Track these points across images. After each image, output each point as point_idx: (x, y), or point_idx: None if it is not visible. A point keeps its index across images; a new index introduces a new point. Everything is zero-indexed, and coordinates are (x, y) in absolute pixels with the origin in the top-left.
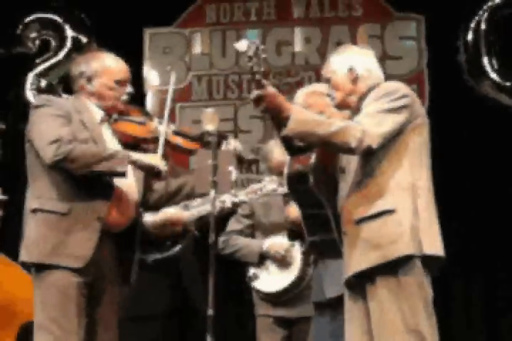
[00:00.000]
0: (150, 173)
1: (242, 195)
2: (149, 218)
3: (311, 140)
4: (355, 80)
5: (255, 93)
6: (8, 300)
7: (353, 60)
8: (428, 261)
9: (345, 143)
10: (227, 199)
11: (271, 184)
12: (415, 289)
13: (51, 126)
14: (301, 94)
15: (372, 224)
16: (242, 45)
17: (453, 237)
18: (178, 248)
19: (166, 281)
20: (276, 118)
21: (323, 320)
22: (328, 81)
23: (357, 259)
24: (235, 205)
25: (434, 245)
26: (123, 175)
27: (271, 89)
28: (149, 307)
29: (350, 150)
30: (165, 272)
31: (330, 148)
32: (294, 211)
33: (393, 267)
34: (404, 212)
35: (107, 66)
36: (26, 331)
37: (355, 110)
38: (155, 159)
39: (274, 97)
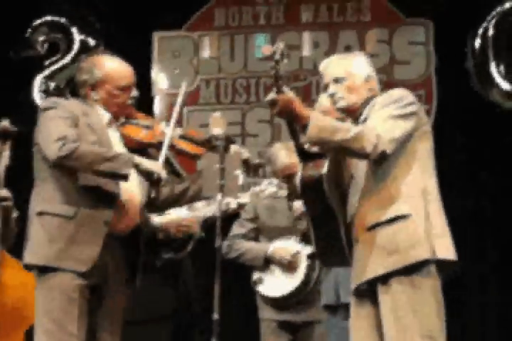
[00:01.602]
0: (149, 179)
1: (245, 197)
2: (159, 220)
3: (329, 146)
4: (371, 90)
5: (271, 96)
6: (18, 303)
7: (369, 69)
8: (441, 265)
9: (361, 148)
10: (232, 201)
11: (270, 187)
12: (430, 293)
13: (57, 126)
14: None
15: (386, 230)
16: (267, 49)
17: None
18: (186, 250)
19: (166, 285)
20: (292, 123)
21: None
22: (337, 80)
23: (372, 265)
24: (240, 207)
25: (447, 249)
26: (125, 178)
27: (288, 95)
28: (148, 310)
29: (365, 156)
30: (163, 275)
31: (346, 153)
32: (299, 206)
33: (409, 271)
34: (417, 216)
35: (109, 73)
36: (30, 334)
37: (353, 118)
38: (156, 166)
39: (290, 103)
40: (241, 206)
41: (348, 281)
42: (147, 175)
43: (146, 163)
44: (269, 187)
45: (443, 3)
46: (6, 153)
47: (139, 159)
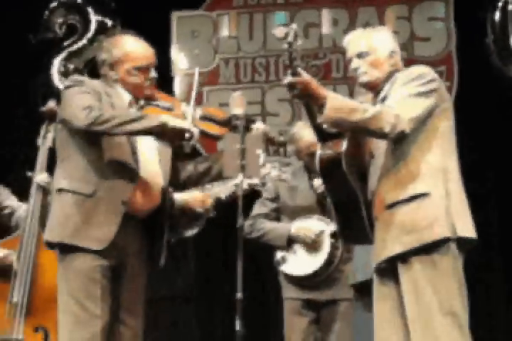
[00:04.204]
0: (180, 136)
1: (255, 179)
2: (179, 196)
3: (346, 126)
4: (394, 65)
5: (288, 79)
6: (54, 284)
7: (393, 44)
8: (461, 243)
9: (379, 128)
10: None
11: (274, 171)
12: (450, 271)
13: (82, 98)
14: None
15: (405, 208)
16: (280, 32)
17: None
18: (197, 229)
19: (176, 264)
20: (309, 105)
21: (359, 304)
22: (361, 55)
23: (390, 243)
24: (251, 187)
25: (467, 227)
26: (154, 134)
27: (305, 77)
28: (160, 289)
29: (383, 135)
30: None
31: (364, 134)
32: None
33: (428, 250)
34: (437, 195)
35: (128, 53)
36: None
37: (375, 93)
38: (185, 123)
39: (308, 85)
40: (251, 187)
41: (363, 259)
42: (178, 132)
43: (174, 121)
44: (272, 170)
45: None
46: (50, 135)
47: (166, 117)
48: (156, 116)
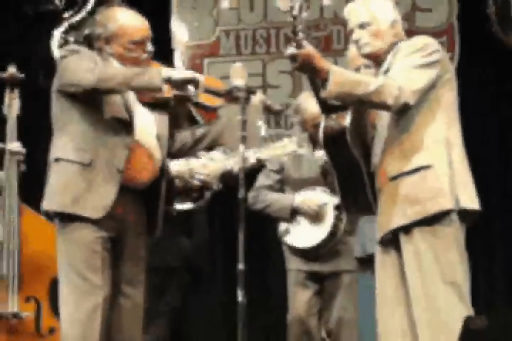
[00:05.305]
0: (185, 86)
1: (264, 153)
2: (177, 167)
3: (350, 100)
4: (396, 35)
5: (290, 51)
6: (38, 253)
7: (394, 13)
8: (464, 214)
9: (382, 101)
10: (251, 156)
11: (291, 145)
12: (452, 242)
13: (82, 62)
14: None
15: (408, 180)
16: (285, 4)
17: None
18: (201, 201)
19: (177, 236)
20: (312, 77)
21: (366, 276)
22: (362, 26)
23: (394, 215)
24: (259, 162)
25: (470, 199)
26: (160, 89)
27: (308, 49)
28: (157, 260)
29: (387, 108)
30: (176, 226)
31: (367, 107)
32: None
33: (431, 221)
34: (440, 166)
35: (123, 27)
36: (56, 284)
37: (377, 64)
38: (188, 72)
39: (310, 58)
40: (260, 161)
41: (372, 232)
42: (183, 82)
43: (176, 73)
44: (289, 145)
45: None
46: (16, 102)
47: (167, 70)
48: (158, 70)
